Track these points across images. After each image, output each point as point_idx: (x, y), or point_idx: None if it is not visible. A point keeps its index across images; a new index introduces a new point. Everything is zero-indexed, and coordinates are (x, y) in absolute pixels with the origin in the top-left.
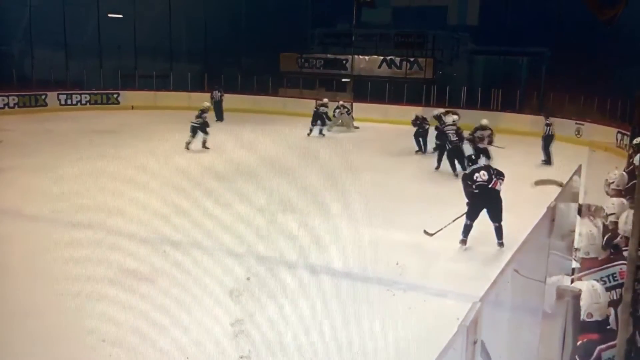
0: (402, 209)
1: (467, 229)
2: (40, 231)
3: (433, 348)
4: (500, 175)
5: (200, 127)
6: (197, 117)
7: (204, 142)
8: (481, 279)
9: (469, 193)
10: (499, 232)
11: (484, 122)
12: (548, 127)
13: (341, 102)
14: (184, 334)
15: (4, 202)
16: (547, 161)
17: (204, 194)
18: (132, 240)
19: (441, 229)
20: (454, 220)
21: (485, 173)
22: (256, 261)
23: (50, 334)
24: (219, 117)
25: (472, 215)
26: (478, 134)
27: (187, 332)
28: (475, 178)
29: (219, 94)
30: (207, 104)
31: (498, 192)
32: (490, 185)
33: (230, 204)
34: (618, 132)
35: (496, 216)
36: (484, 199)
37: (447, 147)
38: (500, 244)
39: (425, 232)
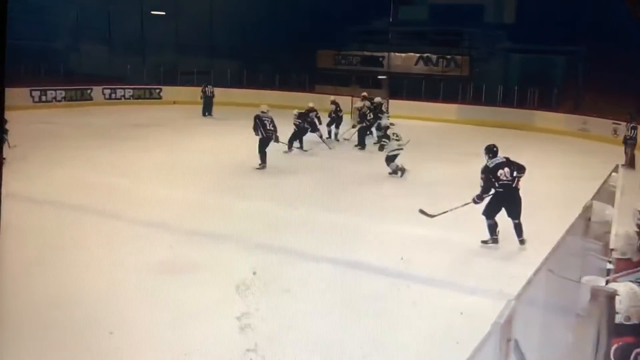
0: (413, 203)
1: (492, 228)
2: (70, 220)
3: (438, 342)
4: (520, 170)
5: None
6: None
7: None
8: (489, 273)
9: (488, 188)
10: (518, 229)
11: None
12: (634, 131)
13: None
14: (190, 326)
15: (42, 192)
16: (626, 164)
17: (227, 188)
18: (140, 234)
19: (444, 212)
20: (462, 205)
21: (509, 171)
22: (263, 255)
23: (64, 325)
24: (209, 112)
25: (491, 213)
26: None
27: (194, 325)
28: (499, 175)
29: (211, 89)
30: (312, 104)
31: (519, 190)
32: (514, 185)
33: (247, 198)
34: None
35: (516, 214)
36: (506, 198)
37: None
38: (522, 242)
39: (421, 211)
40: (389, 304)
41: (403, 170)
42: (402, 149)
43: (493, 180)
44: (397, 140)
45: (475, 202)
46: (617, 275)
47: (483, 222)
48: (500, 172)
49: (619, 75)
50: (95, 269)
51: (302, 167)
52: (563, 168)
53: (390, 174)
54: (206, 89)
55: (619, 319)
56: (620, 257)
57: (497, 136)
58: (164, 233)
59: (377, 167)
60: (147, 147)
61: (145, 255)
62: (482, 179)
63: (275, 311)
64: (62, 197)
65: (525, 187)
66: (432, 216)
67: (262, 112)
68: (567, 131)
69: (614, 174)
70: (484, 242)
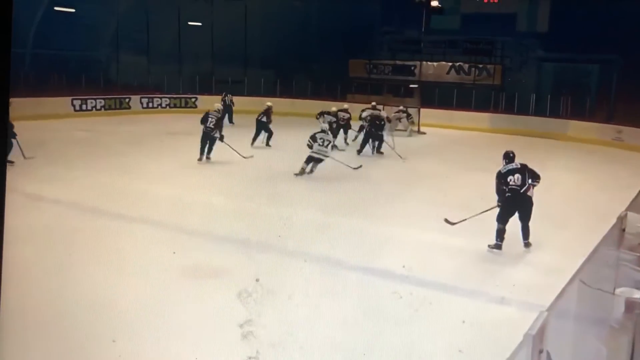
0: (417, 209)
1: (500, 233)
2: (77, 223)
3: (440, 351)
4: (535, 178)
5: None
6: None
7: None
8: (489, 279)
9: (501, 192)
10: (525, 231)
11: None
12: None
13: (400, 107)
14: (192, 333)
15: (67, 195)
16: None
17: (238, 194)
18: (152, 237)
19: (464, 220)
20: (481, 213)
21: (520, 177)
22: (266, 262)
23: (67, 331)
24: (230, 120)
25: (503, 218)
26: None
27: (196, 332)
28: (508, 180)
29: (230, 97)
30: (334, 108)
31: (530, 197)
32: (522, 191)
33: (253, 203)
34: None
35: (525, 218)
36: (515, 203)
37: None
38: (527, 244)
39: (446, 220)
40: (391, 311)
41: (304, 173)
42: (327, 156)
43: (503, 185)
44: (324, 147)
45: (498, 205)
46: None
47: (491, 228)
48: (510, 177)
49: None
50: (100, 274)
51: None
52: (596, 178)
53: (296, 174)
54: (226, 97)
55: None
56: None
57: (529, 145)
58: (172, 238)
59: (394, 173)
60: (180, 154)
61: (149, 262)
62: (495, 183)
63: (277, 318)
64: (83, 201)
65: (558, 196)
66: (453, 224)
67: (213, 111)
68: (601, 141)
69: None
70: (490, 246)
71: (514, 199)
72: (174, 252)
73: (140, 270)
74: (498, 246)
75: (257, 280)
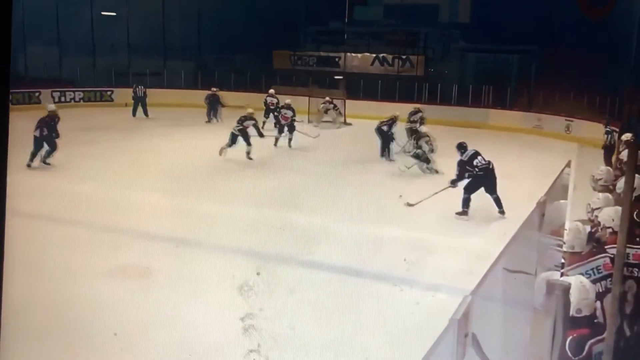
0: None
1: (466, 202)
2: (40, 229)
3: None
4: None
5: (242, 134)
6: (239, 122)
7: (247, 153)
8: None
9: (462, 176)
10: (498, 202)
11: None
12: (608, 136)
13: (327, 98)
14: (194, 328)
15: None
16: None
17: (207, 191)
18: (141, 237)
19: (423, 200)
20: (435, 193)
21: (482, 157)
22: (265, 257)
23: (59, 329)
24: (145, 112)
25: (470, 190)
26: None
27: (198, 327)
28: (475, 163)
29: (143, 89)
30: (251, 110)
31: (494, 171)
32: (490, 167)
33: (234, 202)
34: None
35: (493, 190)
36: (484, 178)
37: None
38: (501, 212)
39: (407, 203)
40: (392, 305)
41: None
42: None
43: (470, 168)
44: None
45: (451, 186)
46: (569, 268)
47: (480, 225)
48: (475, 160)
49: (571, 72)
50: (89, 274)
51: (297, 169)
52: (517, 165)
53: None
54: (137, 89)
55: (571, 312)
56: (569, 250)
57: (453, 135)
58: (161, 239)
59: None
60: (104, 150)
61: (147, 260)
62: (458, 169)
63: (278, 312)
64: (24, 205)
65: None
66: (413, 205)
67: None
68: (522, 129)
69: (566, 169)
70: (458, 213)
71: (485, 175)
72: (177, 246)
73: (133, 269)
74: (465, 212)
75: (258, 274)
